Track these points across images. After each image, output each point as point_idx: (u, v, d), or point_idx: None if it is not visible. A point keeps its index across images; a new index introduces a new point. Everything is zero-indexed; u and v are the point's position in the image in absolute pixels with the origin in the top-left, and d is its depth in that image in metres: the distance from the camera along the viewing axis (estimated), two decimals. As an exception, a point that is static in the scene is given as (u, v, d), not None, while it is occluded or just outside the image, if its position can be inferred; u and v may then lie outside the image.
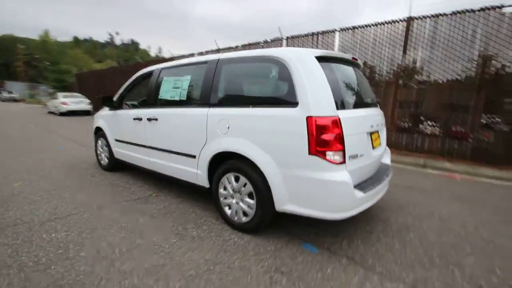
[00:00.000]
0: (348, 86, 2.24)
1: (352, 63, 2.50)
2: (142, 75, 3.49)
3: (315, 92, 1.87)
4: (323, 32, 6.47)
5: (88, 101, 15.25)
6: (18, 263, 1.84)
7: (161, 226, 2.42)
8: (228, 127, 2.24)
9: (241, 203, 2.28)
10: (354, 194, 1.87)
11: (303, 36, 6.86)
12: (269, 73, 2.18)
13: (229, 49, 8.81)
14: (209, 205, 2.87)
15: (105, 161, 4.12)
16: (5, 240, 2.12)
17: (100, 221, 2.49)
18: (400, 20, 5.40)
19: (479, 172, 4.45)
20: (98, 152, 4.26)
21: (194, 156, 2.59)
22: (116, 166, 4.00)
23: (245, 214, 2.27)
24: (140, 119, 3.16)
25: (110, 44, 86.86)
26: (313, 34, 6.66)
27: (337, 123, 1.82)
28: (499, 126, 4.84)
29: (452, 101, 5.16)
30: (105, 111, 4.05)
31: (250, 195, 2.21)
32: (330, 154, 1.81)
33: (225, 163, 2.34)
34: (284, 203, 2.02)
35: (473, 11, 4.69)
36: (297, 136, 1.88)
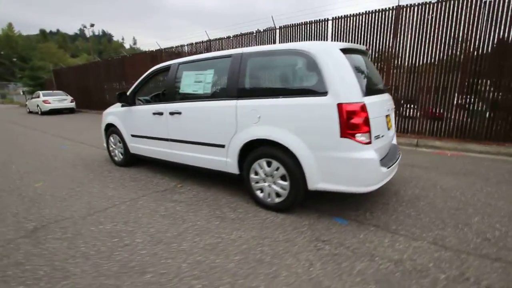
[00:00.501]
0: (366, 74, 2.48)
1: (364, 52, 2.73)
2: (155, 70, 3.56)
3: (343, 81, 2.10)
4: (316, 22, 6.66)
5: (71, 98, 14.68)
6: (80, 253, 1.98)
7: (199, 212, 2.61)
8: (259, 117, 2.44)
9: (273, 186, 2.51)
10: (380, 169, 2.15)
11: (297, 25, 7.01)
12: (296, 65, 2.38)
13: (220, 39, 8.81)
14: (236, 191, 3.08)
15: (119, 157, 4.18)
16: (55, 235, 2.24)
17: (139, 211, 2.64)
18: (390, 9, 5.69)
19: (466, 147, 4.93)
20: (111, 148, 4.30)
21: (223, 146, 2.77)
22: (131, 161, 4.09)
23: (278, 195, 2.51)
24: (161, 113, 3.26)
25: (81, 36, 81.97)
26: (306, 23, 6.83)
27: (364, 108, 2.06)
28: (473, 106, 5.30)
29: (430, 84, 5.57)
30: (116, 108, 4.09)
31: (282, 178, 2.44)
32: (359, 136, 2.06)
33: (256, 150, 2.54)
34: (317, 182, 2.27)
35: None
36: (328, 122, 2.11)
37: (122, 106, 3.92)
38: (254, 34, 7.92)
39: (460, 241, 2.02)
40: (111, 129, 4.18)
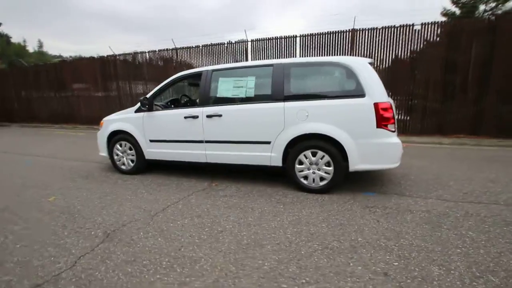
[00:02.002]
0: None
1: (372, 64, 3.58)
2: (180, 77, 3.70)
3: (376, 86, 2.83)
4: (286, 37, 7.56)
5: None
6: (186, 242, 2.12)
7: (257, 201, 2.94)
8: (307, 115, 2.97)
9: (317, 172, 3.05)
10: (401, 150, 2.95)
11: (266, 40, 7.78)
12: (336, 74, 3.02)
13: (188, 48, 8.89)
14: (270, 182, 3.48)
15: (128, 165, 4.03)
16: (138, 235, 2.26)
17: (202, 207, 2.81)
18: (347, 31, 6.99)
19: (411, 140, 6.45)
20: (116, 157, 4.09)
21: (268, 142, 3.17)
22: (142, 168, 4.01)
23: (321, 179, 3.06)
24: (195, 117, 3.43)
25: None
26: (277, 37, 7.66)
27: (391, 106, 2.83)
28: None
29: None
30: (126, 114, 3.97)
31: (326, 164, 3.01)
32: (390, 126, 2.81)
33: (301, 143, 3.04)
34: (356, 164, 2.92)
35: (394, 27, 6.63)
36: (367, 116, 2.80)
37: (137, 111, 3.86)
38: (226, 45, 8.35)
39: (452, 196, 2.96)
40: (118, 136, 4.01)
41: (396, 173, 3.83)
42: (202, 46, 8.65)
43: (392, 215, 2.52)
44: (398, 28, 6.59)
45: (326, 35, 7.18)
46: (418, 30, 6.42)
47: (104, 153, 4.25)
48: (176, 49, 9.04)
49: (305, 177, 3.13)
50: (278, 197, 3.06)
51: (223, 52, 8.44)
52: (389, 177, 3.66)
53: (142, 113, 3.83)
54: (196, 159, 3.60)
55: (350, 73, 2.91)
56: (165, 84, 3.77)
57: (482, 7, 12.05)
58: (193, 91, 5.38)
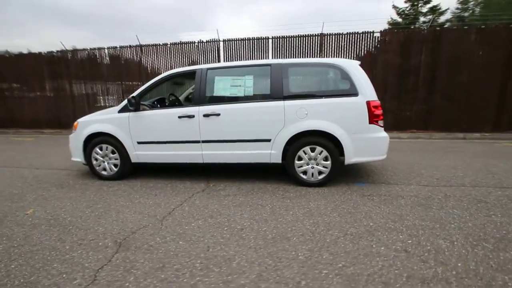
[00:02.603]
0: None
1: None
2: (172, 75, 3.55)
3: (367, 86, 3.11)
4: (259, 38, 7.70)
5: None
6: (212, 241, 2.08)
7: (262, 197, 2.99)
8: (307, 113, 3.12)
9: (316, 166, 3.23)
10: (388, 143, 3.29)
11: (239, 40, 7.82)
12: (331, 74, 3.23)
13: (155, 45, 8.43)
14: (267, 179, 3.56)
15: (111, 170, 3.71)
16: (155, 241, 2.14)
17: (209, 207, 2.76)
18: (316, 35, 7.43)
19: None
20: (95, 162, 3.72)
21: (268, 140, 3.25)
22: (127, 172, 3.73)
23: (320, 173, 3.25)
24: (191, 116, 3.33)
25: None
26: (250, 38, 7.75)
27: (380, 104, 3.15)
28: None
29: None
30: (108, 115, 3.65)
31: (324, 159, 3.20)
32: (379, 122, 3.12)
33: (300, 140, 3.18)
34: (351, 157, 3.18)
35: (358, 33, 7.27)
36: (361, 113, 3.07)
37: (122, 111, 3.58)
38: (196, 44, 8.14)
39: (428, 182, 3.41)
40: (97, 139, 3.65)
41: (375, 164, 4.23)
42: (171, 44, 8.30)
43: (388, 201, 2.81)
44: (361, 35, 7.25)
45: (297, 38, 7.53)
46: (378, 37, 7.16)
47: (78, 158, 3.83)
48: (140, 46, 8.50)
49: (304, 172, 3.29)
50: (281, 192, 3.15)
51: (193, 51, 8.22)
52: (371, 168, 4.04)
53: (127, 113, 3.56)
54: (191, 160, 3.49)
55: (344, 74, 3.15)
56: (153, 83, 3.57)
57: (422, 19, 13.88)
58: (177, 91, 5.14)
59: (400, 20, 14.85)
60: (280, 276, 1.68)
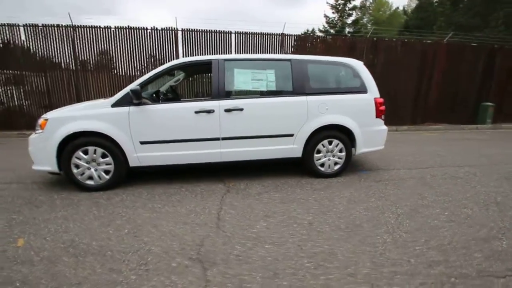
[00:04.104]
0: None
1: None
2: (182, 64, 3.14)
3: (373, 84, 3.50)
4: (220, 32, 7.42)
5: None
6: (277, 243, 2.01)
7: (295, 193, 3.01)
8: (327, 108, 3.28)
9: (332, 158, 3.45)
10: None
11: (200, 32, 7.35)
12: (344, 72, 3.46)
13: (95, 28, 7.01)
14: (280, 173, 3.58)
15: (100, 178, 2.99)
16: (243, 247, 1.91)
17: (256, 210, 2.62)
18: (278, 34, 7.71)
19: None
20: (76, 170, 2.92)
21: (291, 135, 3.27)
22: (122, 180, 3.09)
23: (335, 164, 3.48)
24: (210, 111, 3.01)
25: None
26: (211, 31, 7.38)
27: (384, 101, 3.59)
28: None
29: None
30: (95, 109, 2.93)
31: (339, 151, 3.45)
32: (383, 116, 3.57)
33: (320, 133, 3.33)
34: (361, 148, 3.53)
35: (312, 36, 7.92)
36: (370, 109, 3.45)
37: (117, 105, 2.92)
38: (149, 30, 7.19)
39: (410, 166, 4.11)
40: (80, 140, 2.87)
41: (373, 154, 4.71)
42: (116, 28, 7.08)
43: (398, 184, 3.28)
44: (317, 38, 7.94)
45: (260, 35, 7.63)
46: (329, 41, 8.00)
47: (48, 166, 2.93)
48: (73, 27, 6.92)
49: (321, 165, 3.46)
50: (308, 185, 3.24)
51: (145, 39, 7.24)
52: (363, 158, 4.55)
53: (126, 108, 2.94)
54: (207, 159, 3.17)
55: (355, 73, 3.46)
56: (158, 72, 3.05)
57: (348, 29, 16.13)
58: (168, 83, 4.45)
59: (329, 28, 17.02)
60: (391, 258, 1.80)
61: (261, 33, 7.61)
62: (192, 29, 7.30)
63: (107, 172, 3.02)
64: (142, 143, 3.00)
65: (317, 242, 2.00)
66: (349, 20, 16.93)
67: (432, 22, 15.91)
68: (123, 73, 7.51)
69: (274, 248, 1.92)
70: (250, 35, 7.58)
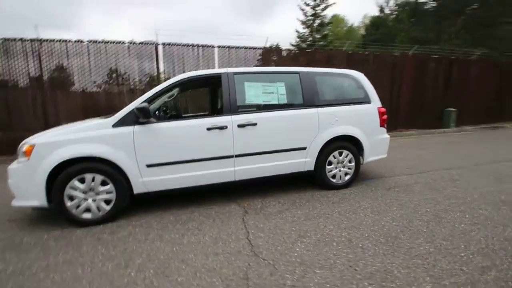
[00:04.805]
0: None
1: None
2: (189, 79, 2.92)
3: (375, 95, 3.61)
4: (204, 46, 7.28)
5: None
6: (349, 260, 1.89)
7: (317, 208, 2.91)
8: (337, 119, 3.29)
9: (343, 169, 3.44)
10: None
11: (182, 46, 7.12)
12: (349, 84, 3.52)
13: (63, 41, 6.42)
14: (291, 188, 3.48)
15: (100, 209, 2.61)
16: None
17: (287, 231, 2.46)
18: (258, 48, 7.79)
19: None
20: (70, 203, 2.51)
21: (304, 148, 3.20)
22: (122, 210, 2.73)
23: (346, 175, 3.47)
24: (223, 127, 2.83)
25: None
26: (193, 45, 7.19)
27: (386, 111, 3.70)
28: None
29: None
30: (93, 131, 2.57)
31: (349, 161, 3.45)
32: (385, 125, 3.67)
33: (331, 145, 3.31)
34: (368, 157, 3.58)
35: (252, 48, 8.13)
36: (374, 118, 3.53)
37: (119, 125, 2.61)
38: (127, 45, 6.78)
39: (409, 171, 4.26)
40: (75, 168, 2.49)
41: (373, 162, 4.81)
42: (89, 42, 6.56)
43: (408, 190, 3.36)
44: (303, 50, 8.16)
45: (243, 49, 7.63)
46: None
47: (34, 200, 2.49)
48: (40, 40, 6.26)
49: (333, 176, 3.43)
50: (324, 198, 3.16)
51: (123, 53, 6.82)
52: (362, 167, 4.58)
53: (131, 128, 2.63)
54: (221, 179, 2.95)
55: (359, 84, 3.55)
56: (164, 87, 2.82)
57: (319, 43, 16.95)
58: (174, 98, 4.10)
59: (300, 42, 17.81)
60: (445, 269, 1.76)
61: (244, 47, 7.63)
62: (173, 43, 7.05)
63: (107, 202, 2.65)
64: (149, 166, 2.70)
65: (367, 261, 1.90)
66: (318, 35, 17.94)
67: (393, 37, 17.53)
68: (97, 90, 6.97)
69: (327, 273, 1.78)
70: (234, 49, 7.54)
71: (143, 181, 2.71)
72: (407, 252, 1.99)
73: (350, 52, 8.92)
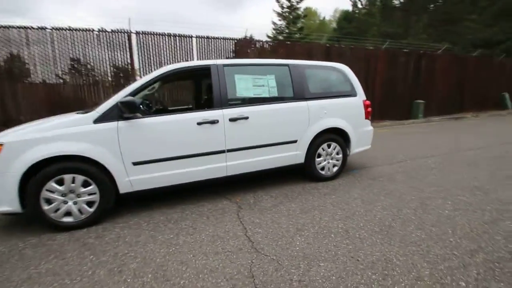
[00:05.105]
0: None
1: None
2: (177, 70, 2.73)
3: (360, 88, 3.69)
4: (181, 36, 6.93)
5: None
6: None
7: (311, 201, 2.94)
8: (325, 112, 3.32)
9: (331, 161, 3.50)
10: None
11: (158, 35, 6.72)
12: (337, 77, 3.55)
13: (23, 29, 5.74)
14: (281, 182, 3.49)
15: (82, 212, 2.40)
16: None
17: (284, 223, 2.46)
18: (241, 39, 7.60)
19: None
20: (48, 206, 2.28)
21: (295, 141, 3.20)
22: (105, 212, 2.55)
23: (334, 166, 3.54)
24: (214, 121, 2.72)
25: None
26: (170, 35, 6.82)
27: (370, 103, 3.80)
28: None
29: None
30: (71, 128, 2.33)
31: (337, 153, 3.52)
32: (369, 118, 3.78)
33: (321, 137, 3.34)
34: (354, 149, 3.68)
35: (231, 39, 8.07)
36: (360, 111, 3.62)
37: (101, 121, 2.39)
38: (96, 32, 6.24)
39: (389, 161, 4.46)
40: (51, 169, 2.25)
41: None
42: (53, 29, 5.93)
43: (391, 179, 3.51)
44: (285, 42, 8.10)
45: (221, 40, 7.40)
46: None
47: (5, 206, 2.22)
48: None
49: (322, 168, 3.48)
50: (315, 190, 3.21)
51: (92, 41, 6.27)
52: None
53: (114, 123, 2.43)
54: (212, 175, 2.86)
55: (345, 77, 3.60)
56: (150, 80, 2.62)
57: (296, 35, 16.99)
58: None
59: (276, 34, 17.77)
60: (439, 254, 1.87)
61: (223, 38, 7.40)
62: (148, 32, 6.64)
63: (90, 204, 2.45)
64: (135, 163, 2.53)
65: (367, 250, 1.96)
66: (294, 28, 18.03)
67: (364, 31, 18.18)
68: (61, 82, 6.39)
69: (331, 265, 1.80)
70: (212, 39, 7.30)
71: (130, 180, 2.54)
72: (402, 240, 2.08)
73: (328, 45, 9.06)
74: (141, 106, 3.00)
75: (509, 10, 12.95)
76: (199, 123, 2.70)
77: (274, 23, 18.32)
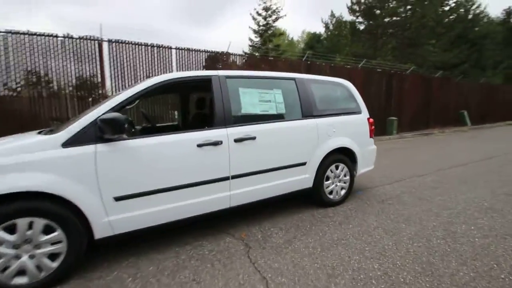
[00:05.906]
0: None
1: None
2: (166, 81, 2.22)
3: (363, 105, 3.50)
4: (159, 46, 6.40)
5: None
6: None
7: (326, 232, 2.57)
8: (334, 131, 3.04)
9: (339, 184, 3.20)
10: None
11: (134, 44, 6.12)
12: (342, 93, 3.32)
13: (22, 33, 4.79)
14: (287, 211, 3.10)
15: (43, 268, 1.76)
16: None
17: (307, 264, 2.04)
18: (224, 53, 7.28)
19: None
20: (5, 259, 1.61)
21: (304, 163, 2.84)
22: (76, 265, 1.92)
23: (341, 189, 3.24)
24: (217, 143, 2.26)
25: None
26: (147, 44, 6.25)
27: (373, 121, 3.61)
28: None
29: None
30: (35, 154, 1.72)
31: (344, 175, 3.23)
32: (373, 137, 3.59)
33: (329, 158, 3.03)
34: (361, 169, 3.43)
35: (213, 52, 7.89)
36: (365, 129, 3.41)
37: (73, 144, 1.81)
38: (62, 39, 5.46)
39: (392, 180, 4.30)
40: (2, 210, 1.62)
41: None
42: (13, 33, 5.04)
43: (400, 202, 3.29)
44: (266, 57, 7.94)
45: (204, 53, 7.02)
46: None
47: None
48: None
49: (330, 192, 3.15)
50: (327, 219, 2.85)
51: (55, 50, 5.47)
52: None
53: (91, 147, 1.86)
54: (213, 207, 2.36)
55: (350, 93, 3.39)
56: (139, 92, 2.10)
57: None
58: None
59: (252, 51, 17.90)
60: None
61: (205, 50, 7.03)
62: (123, 41, 6.02)
63: (53, 256, 1.81)
64: (118, 199, 1.96)
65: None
66: (271, 45, 18.38)
67: (335, 51, 19.11)
68: (13, 94, 5.45)
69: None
70: (194, 52, 6.88)
71: (109, 220, 1.95)
72: (453, 282, 1.78)
73: (309, 62, 9.14)
74: (126, 125, 2.46)
75: (464, 38, 14.59)
76: (199, 145, 2.22)
77: (251, 40, 18.66)
